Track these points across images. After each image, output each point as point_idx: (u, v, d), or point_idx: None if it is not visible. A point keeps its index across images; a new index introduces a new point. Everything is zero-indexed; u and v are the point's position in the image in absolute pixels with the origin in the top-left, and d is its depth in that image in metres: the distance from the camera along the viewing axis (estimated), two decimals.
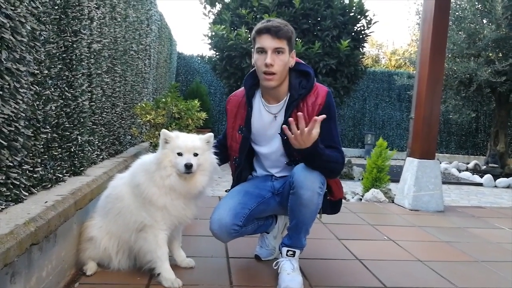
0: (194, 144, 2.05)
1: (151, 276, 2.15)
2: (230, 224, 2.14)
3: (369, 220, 3.72)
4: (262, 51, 2.10)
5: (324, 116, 1.96)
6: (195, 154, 2.04)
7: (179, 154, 2.03)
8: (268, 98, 2.25)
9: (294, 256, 2.20)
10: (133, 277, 2.16)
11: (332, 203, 2.33)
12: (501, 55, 8.48)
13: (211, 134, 2.15)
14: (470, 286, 2.34)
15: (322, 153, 2.01)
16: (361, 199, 4.91)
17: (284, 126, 1.97)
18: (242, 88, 2.33)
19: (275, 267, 2.22)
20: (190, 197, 2.11)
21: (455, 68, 8.75)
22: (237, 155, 2.32)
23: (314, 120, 1.92)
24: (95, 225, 2.21)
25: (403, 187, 4.50)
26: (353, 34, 7.23)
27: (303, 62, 2.29)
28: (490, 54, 8.57)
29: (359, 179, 6.56)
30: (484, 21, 8.63)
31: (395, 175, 5.49)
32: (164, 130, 2.08)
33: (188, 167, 1.98)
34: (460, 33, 8.77)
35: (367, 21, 7.26)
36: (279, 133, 2.19)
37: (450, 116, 10.69)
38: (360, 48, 7.49)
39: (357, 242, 3.03)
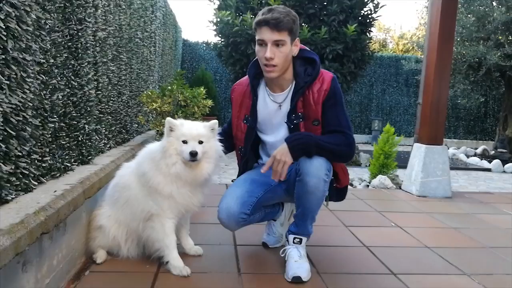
0: (199, 132, 2.05)
1: (160, 264, 2.18)
2: (238, 212, 2.15)
3: (376, 207, 3.72)
4: (262, 43, 2.07)
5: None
6: (200, 142, 2.04)
7: (184, 142, 2.02)
8: (273, 87, 2.22)
9: (301, 243, 2.20)
10: (142, 265, 2.19)
11: (338, 190, 2.33)
12: (510, 38, 8.35)
13: (215, 121, 2.14)
14: (478, 272, 2.34)
15: (310, 143, 2.02)
16: (368, 186, 4.91)
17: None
18: (247, 76, 2.31)
19: (282, 255, 2.23)
20: (196, 184, 2.11)
21: (464, 52, 8.64)
22: (243, 144, 2.31)
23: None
24: (104, 214, 2.23)
25: (410, 173, 4.48)
26: (360, 18, 7.12)
27: (307, 48, 2.25)
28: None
29: (366, 166, 6.54)
30: (494, 3, 8.47)
31: (403, 161, 5.46)
32: (168, 118, 2.07)
33: (193, 154, 1.98)
34: (469, 16, 8.63)
35: (374, 4, 7.15)
36: (285, 122, 2.18)
37: (459, 101, 10.58)
38: (367, 33, 7.39)
39: (364, 229, 3.04)
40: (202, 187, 2.17)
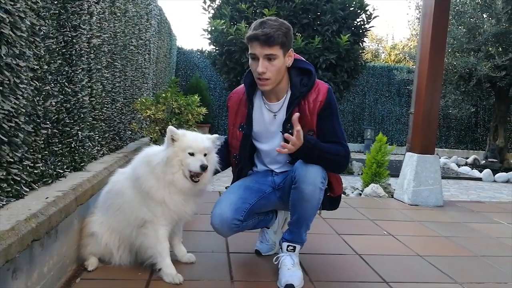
0: (205, 145, 2.07)
1: (152, 271, 2.16)
2: (231, 218, 2.15)
3: (369, 215, 3.73)
4: (254, 57, 2.09)
5: (298, 114, 2.00)
6: (204, 155, 2.06)
7: (191, 154, 2.03)
8: (269, 96, 2.24)
9: (294, 251, 2.20)
10: (134, 273, 2.17)
11: (332, 199, 2.34)
12: (501, 50, 8.46)
13: (217, 135, 2.20)
14: (469, 281, 2.35)
15: (315, 144, 2.03)
16: (360, 194, 4.92)
17: (283, 144, 2.00)
18: (243, 84, 2.33)
19: (276, 262, 2.23)
20: (190, 194, 2.11)
21: (455, 63, 8.75)
22: (237, 152, 2.31)
23: (294, 120, 1.97)
24: (96, 221, 2.21)
25: (402, 182, 4.51)
26: (353, 28, 7.19)
27: (303, 59, 2.26)
28: (490, 49, 8.55)
29: (358, 174, 6.57)
30: (484, 15, 8.60)
31: (395, 170, 5.50)
32: (171, 127, 2.06)
33: (204, 168, 2.00)
34: (460, 27, 8.75)
35: (367, 15, 7.22)
36: (280, 131, 2.19)
37: (450, 111, 10.67)
38: (360, 43, 7.45)
39: (357, 237, 3.04)
40: (196, 197, 2.17)
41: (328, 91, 2.15)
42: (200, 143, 2.06)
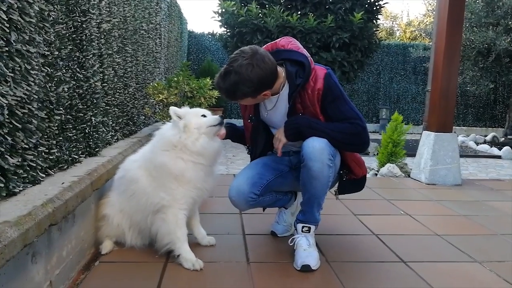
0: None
1: (169, 254, 2.18)
2: (247, 191, 2.19)
3: (385, 195, 3.70)
4: None
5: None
6: None
7: (203, 116, 2.14)
8: None
9: (309, 232, 2.20)
10: (151, 255, 2.19)
11: (354, 181, 2.34)
12: None
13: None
14: (489, 259, 2.32)
15: (301, 123, 2.07)
16: (376, 174, 4.87)
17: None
18: None
19: (291, 244, 2.23)
20: (216, 158, 2.17)
21: (472, 38, 8.51)
22: (249, 143, 2.37)
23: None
24: (108, 203, 2.24)
25: (419, 161, 4.44)
26: (366, 6, 7.04)
27: (296, 47, 2.16)
28: (510, 22, 8.28)
29: (374, 154, 6.49)
30: None
31: (411, 149, 5.42)
32: (173, 107, 2.11)
33: (222, 120, 2.15)
34: (478, 1, 8.49)
35: None
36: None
37: (468, 88, 10.45)
38: (374, 21, 7.30)
39: (373, 217, 3.02)
40: (213, 167, 2.21)
41: (326, 76, 2.08)
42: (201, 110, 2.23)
